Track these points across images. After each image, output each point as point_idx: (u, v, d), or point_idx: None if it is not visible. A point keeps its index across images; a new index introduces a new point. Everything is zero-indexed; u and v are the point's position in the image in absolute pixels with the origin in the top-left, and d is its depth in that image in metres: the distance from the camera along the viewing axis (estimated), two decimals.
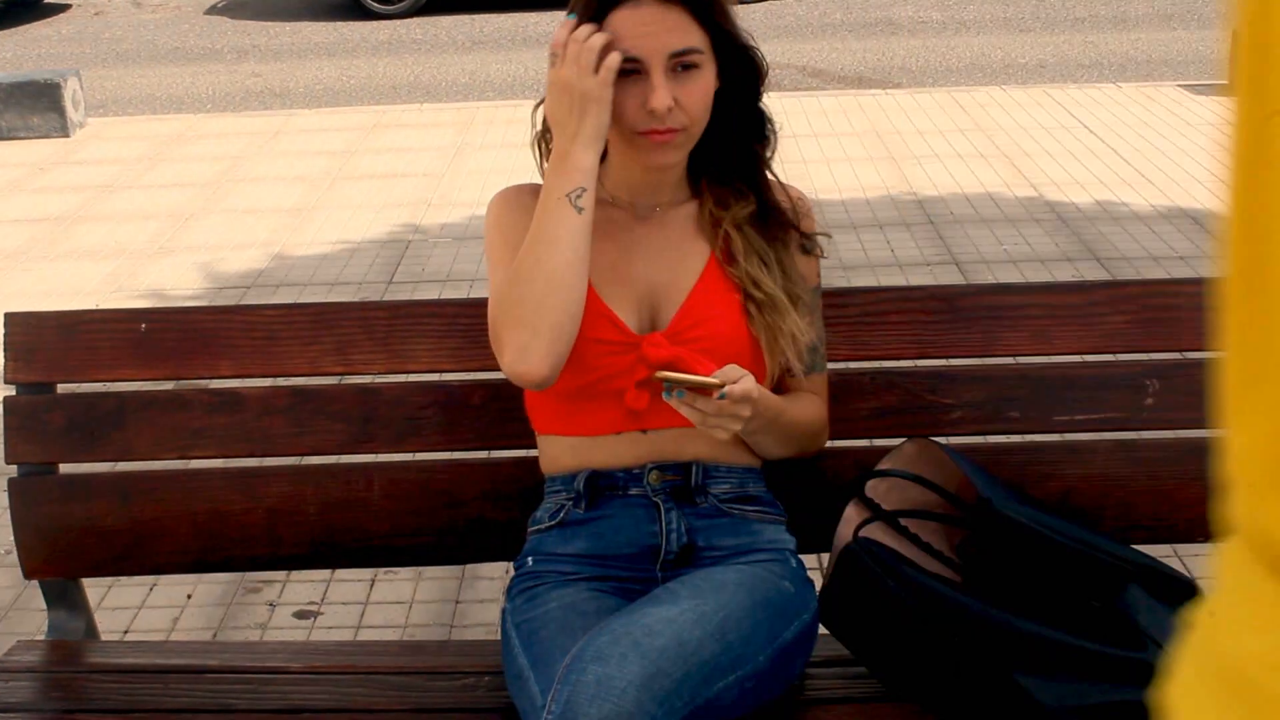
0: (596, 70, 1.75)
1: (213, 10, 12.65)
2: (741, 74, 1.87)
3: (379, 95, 9.08)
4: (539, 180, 1.88)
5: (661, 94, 1.76)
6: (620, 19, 1.76)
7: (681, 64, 1.78)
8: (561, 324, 1.77)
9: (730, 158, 1.92)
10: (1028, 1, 11.44)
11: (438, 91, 9.14)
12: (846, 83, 8.93)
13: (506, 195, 1.94)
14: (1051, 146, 6.90)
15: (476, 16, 11.62)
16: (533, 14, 11.33)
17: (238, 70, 10.03)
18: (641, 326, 1.87)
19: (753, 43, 1.88)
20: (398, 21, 11.57)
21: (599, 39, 1.75)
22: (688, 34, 1.78)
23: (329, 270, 5.47)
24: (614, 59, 1.75)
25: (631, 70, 1.77)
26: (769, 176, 1.95)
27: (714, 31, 1.81)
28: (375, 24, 11.53)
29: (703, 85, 1.81)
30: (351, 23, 11.62)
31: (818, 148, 7.00)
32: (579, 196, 1.78)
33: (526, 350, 1.76)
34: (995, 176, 6.42)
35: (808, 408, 1.95)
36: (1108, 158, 6.67)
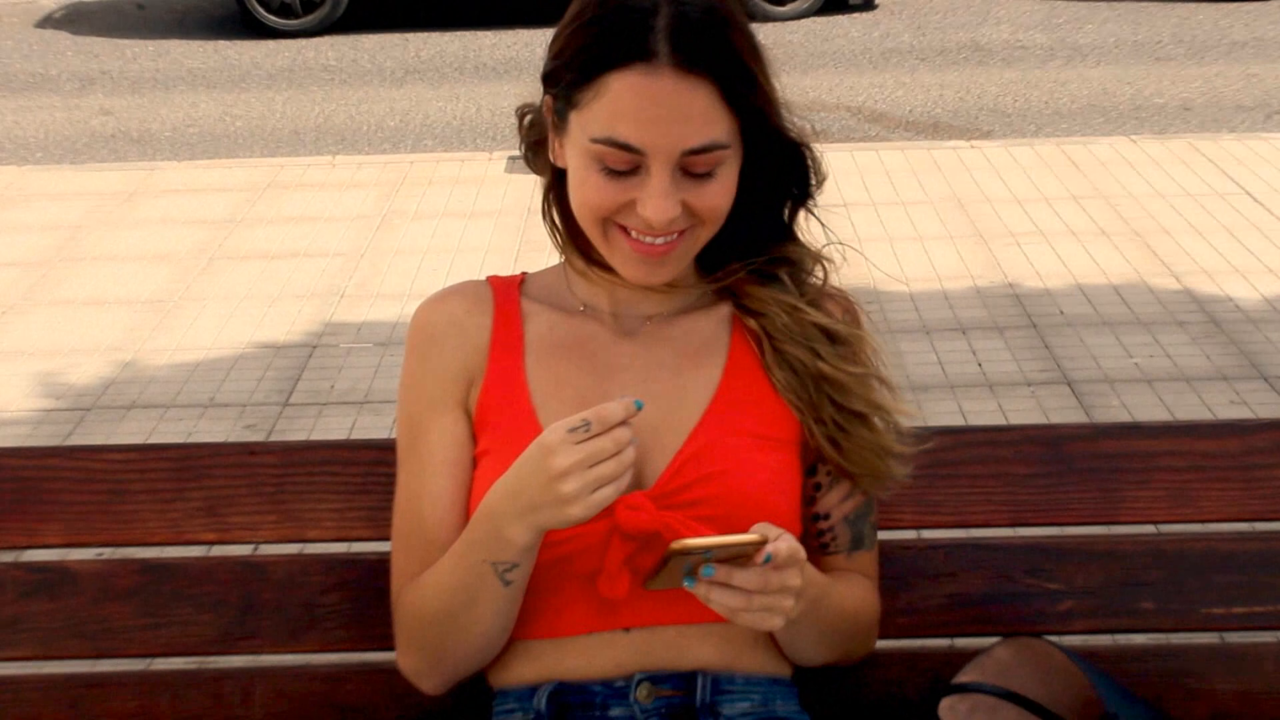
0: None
1: (46, 22, 12.82)
2: (781, 171, 1.89)
3: (276, 143, 9.18)
4: (501, 270, 1.92)
5: (660, 203, 1.76)
6: (622, 86, 1.74)
7: (695, 166, 1.78)
8: (466, 671, 1.95)
9: (760, 229, 1.95)
10: (1166, 19, 11.63)
11: (357, 139, 9.25)
12: (917, 131, 9.06)
13: (423, 321, 1.97)
14: (1200, 220, 6.96)
15: (411, 35, 11.76)
16: (487, 32, 11.41)
17: (80, 106, 10.16)
18: None
19: (803, 137, 1.88)
20: (303, 41, 11.70)
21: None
22: (710, 123, 1.76)
23: (201, 387, 5.48)
24: (608, 495, 1.70)
25: (626, 160, 1.76)
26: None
27: (748, 117, 1.80)
28: (272, 44, 11.67)
29: (724, 187, 1.82)
30: (238, 42, 11.78)
31: (877, 221, 7.07)
32: (508, 570, 1.82)
33: (421, 676, 1.97)
34: (1122, 261, 6.48)
35: (856, 589, 1.95)
36: (1278, 237, 6.74)
